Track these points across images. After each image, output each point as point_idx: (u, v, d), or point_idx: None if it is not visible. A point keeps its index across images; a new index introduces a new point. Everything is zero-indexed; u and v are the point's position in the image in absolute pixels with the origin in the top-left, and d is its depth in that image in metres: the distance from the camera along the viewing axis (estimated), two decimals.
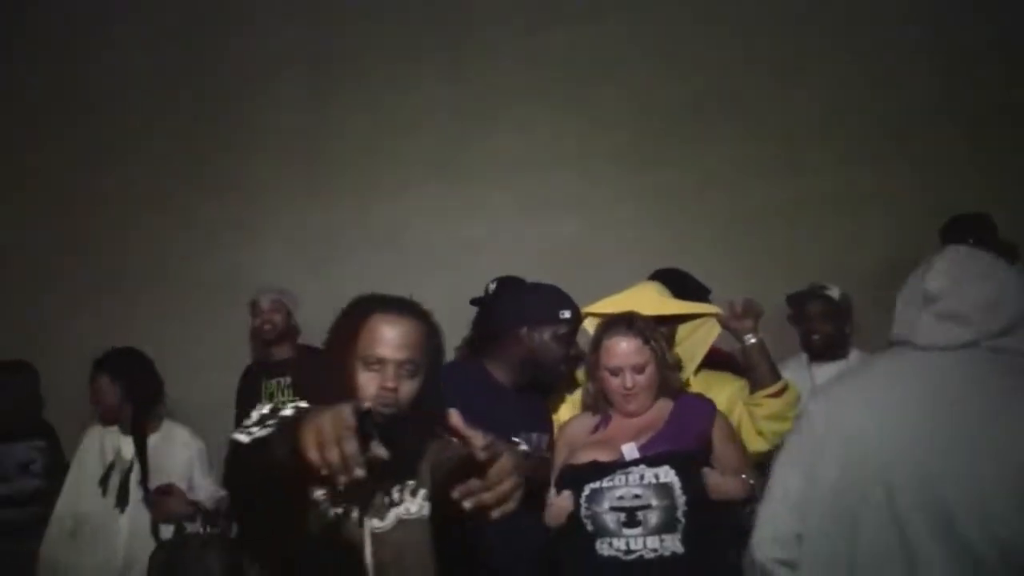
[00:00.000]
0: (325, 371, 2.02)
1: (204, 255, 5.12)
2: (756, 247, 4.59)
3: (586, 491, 2.59)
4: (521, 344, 2.88)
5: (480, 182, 4.97)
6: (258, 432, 1.64)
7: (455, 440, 1.59)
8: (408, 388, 1.93)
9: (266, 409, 1.71)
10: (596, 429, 2.77)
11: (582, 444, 2.72)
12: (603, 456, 2.62)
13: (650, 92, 4.84)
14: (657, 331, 2.83)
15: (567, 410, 3.06)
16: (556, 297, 2.90)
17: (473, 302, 4.19)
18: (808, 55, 4.72)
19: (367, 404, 1.62)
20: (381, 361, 1.91)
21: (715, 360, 3.30)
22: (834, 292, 3.93)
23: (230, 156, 5.26)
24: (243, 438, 1.65)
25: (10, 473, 4.33)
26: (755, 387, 2.99)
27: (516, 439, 2.28)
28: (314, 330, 4.22)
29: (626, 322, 2.78)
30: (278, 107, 5.27)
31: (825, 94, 4.69)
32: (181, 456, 3.89)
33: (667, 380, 2.78)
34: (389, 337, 1.94)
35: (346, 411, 1.39)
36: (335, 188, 5.16)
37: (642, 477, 2.56)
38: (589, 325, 3.17)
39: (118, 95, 5.38)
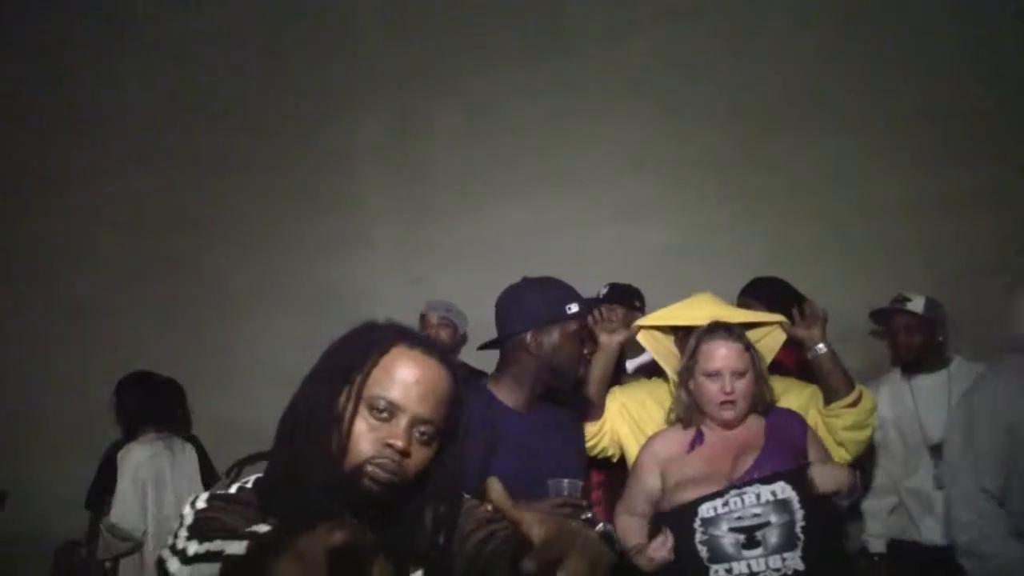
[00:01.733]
0: (306, 414, 1.47)
1: (305, 272, 5.23)
2: (851, 250, 4.49)
3: (700, 516, 2.55)
4: (528, 353, 2.58)
5: (571, 190, 4.94)
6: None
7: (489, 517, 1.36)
8: (419, 457, 1.45)
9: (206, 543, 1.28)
10: (691, 447, 2.71)
11: (678, 466, 2.67)
12: (709, 488, 2.59)
13: (740, 94, 4.76)
14: (753, 344, 2.80)
15: (616, 409, 3.04)
16: (558, 291, 2.60)
17: None
18: (901, 50, 4.59)
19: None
20: (392, 409, 1.43)
21: (785, 368, 3.26)
22: (918, 303, 3.76)
23: (329, 175, 5.36)
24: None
25: None
26: (830, 398, 2.93)
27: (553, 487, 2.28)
28: None
29: (726, 328, 2.75)
30: (374, 123, 5.34)
31: (919, 91, 4.54)
32: None
33: (762, 393, 2.74)
34: (411, 381, 1.45)
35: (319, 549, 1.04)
36: (432, 203, 5.20)
37: (759, 496, 2.53)
38: (643, 339, 3.16)
39: (217, 116, 5.53)
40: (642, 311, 3.67)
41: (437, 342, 1.73)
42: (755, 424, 2.72)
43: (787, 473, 2.55)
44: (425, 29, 5.34)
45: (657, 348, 3.15)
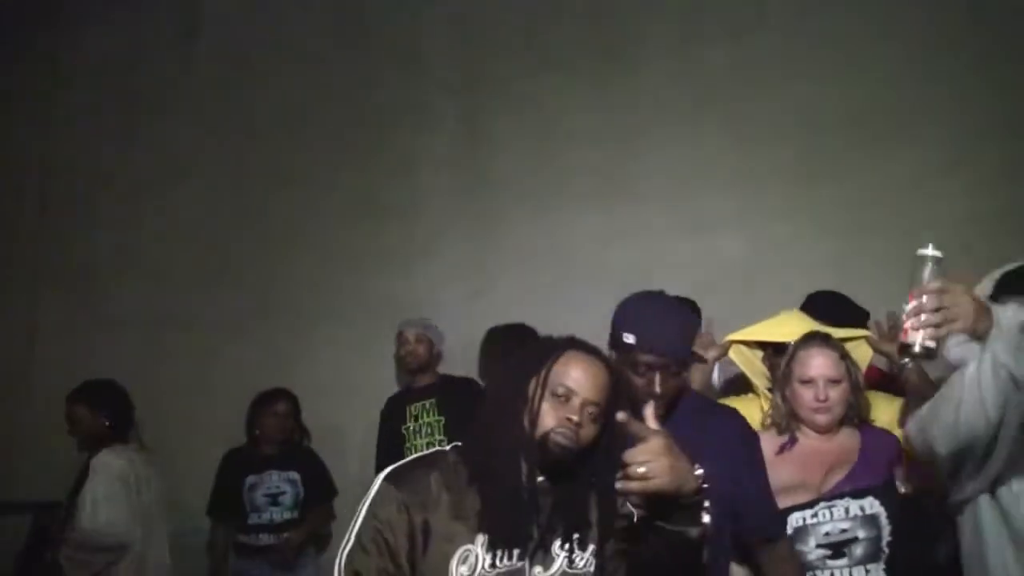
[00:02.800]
0: (502, 398, 1.99)
1: (368, 284, 5.24)
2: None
3: (790, 525, 2.57)
4: (617, 369, 2.40)
5: (639, 202, 4.91)
6: None
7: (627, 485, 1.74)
8: (588, 431, 1.92)
9: None
10: (782, 449, 2.72)
11: (770, 470, 2.61)
12: (799, 497, 2.60)
13: (808, 108, 4.70)
14: (851, 355, 2.79)
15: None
16: (624, 316, 2.42)
17: None
18: (974, 64, 4.50)
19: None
20: (569, 394, 1.91)
21: (874, 382, 3.19)
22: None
23: (392, 185, 5.38)
24: None
25: (260, 503, 4.58)
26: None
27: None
28: (470, 354, 4.34)
29: (822, 336, 2.78)
30: (433, 134, 5.36)
31: (985, 108, 4.45)
32: None
33: (857, 404, 2.74)
34: (581, 375, 1.93)
35: None
36: (491, 214, 5.20)
37: (847, 510, 2.57)
38: (734, 354, 3.15)
39: (275, 126, 5.61)
40: (698, 325, 3.65)
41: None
42: (850, 437, 2.73)
43: (877, 488, 2.58)
44: (491, 39, 5.34)
45: (746, 363, 3.16)
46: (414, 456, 2.09)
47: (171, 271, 5.60)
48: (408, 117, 5.39)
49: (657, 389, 2.29)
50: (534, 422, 1.90)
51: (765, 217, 4.71)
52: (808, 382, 2.68)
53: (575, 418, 1.89)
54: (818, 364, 2.69)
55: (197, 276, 5.55)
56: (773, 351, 3.10)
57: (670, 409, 2.34)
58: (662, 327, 2.33)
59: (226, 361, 5.23)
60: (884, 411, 2.93)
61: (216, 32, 5.78)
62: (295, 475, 4.62)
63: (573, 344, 2.00)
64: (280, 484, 4.60)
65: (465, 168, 5.29)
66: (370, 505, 1.91)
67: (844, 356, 2.72)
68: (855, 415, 2.74)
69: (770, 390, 3.04)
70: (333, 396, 4.93)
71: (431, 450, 2.08)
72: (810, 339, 2.77)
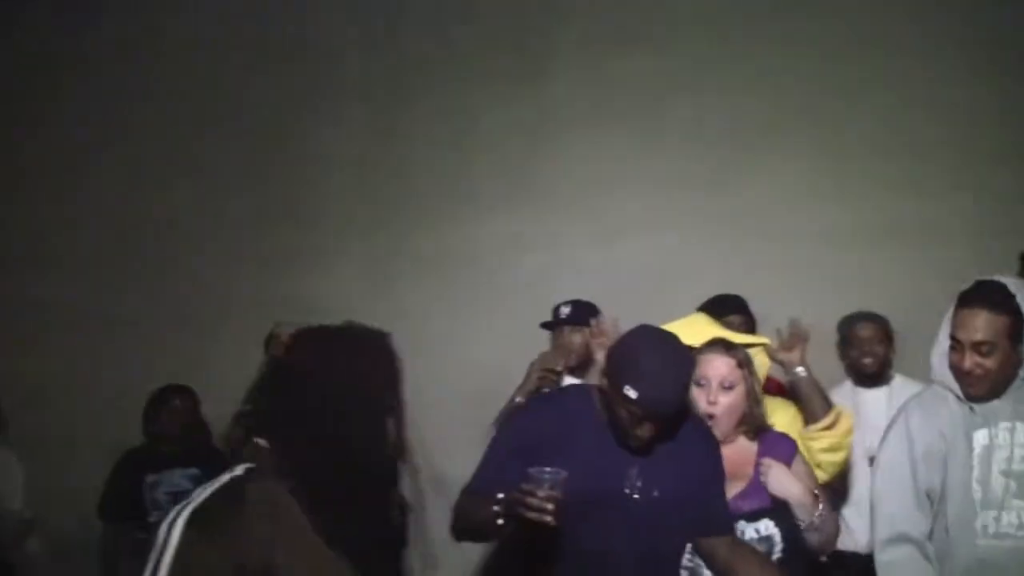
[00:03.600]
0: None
1: (272, 284, 5.19)
2: (812, 271, 4.58)
3: (689, 547, 2.59)
4: (604, 393, 2.51)
5: (546, 208, 4.98)
6: None
7: None
8: None
9: None
10: None
11: None
12: None
13: (716, 115, 4.83)
14: (752, 363, 2.80)
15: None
16: (627, 365, 2.41)
17: (543, 325, 4.25)
18: (877, 77, 4.68)
19: None
20: None
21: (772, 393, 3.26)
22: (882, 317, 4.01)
23: (294, 186, 5.35)
24: None
25: (162, 502, 4.46)
26: (808, 420, 2.95)
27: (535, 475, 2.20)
28: None
29: (725, 343, 2.79)
30: (341, 135, 5.32)
31: (893, 116, 4.65)
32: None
33: (752, 414, 2.75)
34: None
35: None
36: (399, 216, 5.21)
37: (743, 533, 2.59)
38: None
39: (179, 122, 5.50)
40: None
41: None
42: (746, 449, 2.73)
43: (771, 510, 2.61)
44: (402, 42, 5.34)
45: None
46: None
47: (74, 267, 5.44)
48: (317, 118, 5.35)
49: (647, 436, 2.40)
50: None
51: (672, 223, 4.81)
52: (702, 383, 2.69)
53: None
54: (714, 366, 2.69)
55: (101, 274, 5.42)
56: None
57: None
58: (664, 389, 2.35)
59: (128, 360, 5.12)
60: (781, 416, 2.96)
61: (121, 23, 5.62)
62: (196, 472, 4.51)
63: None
64: (181, 482, 4.47)
65: (373, 170, 5.29)
66: None
67: (743, 365, 2.73)
68: (751, 425, 2.74)
69: None
70: (238, 395, 4.83)
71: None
72: (712, 344, 2.77)
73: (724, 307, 3.80)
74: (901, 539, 2.71)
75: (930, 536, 2.68)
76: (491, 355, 4.69)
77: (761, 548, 2.57)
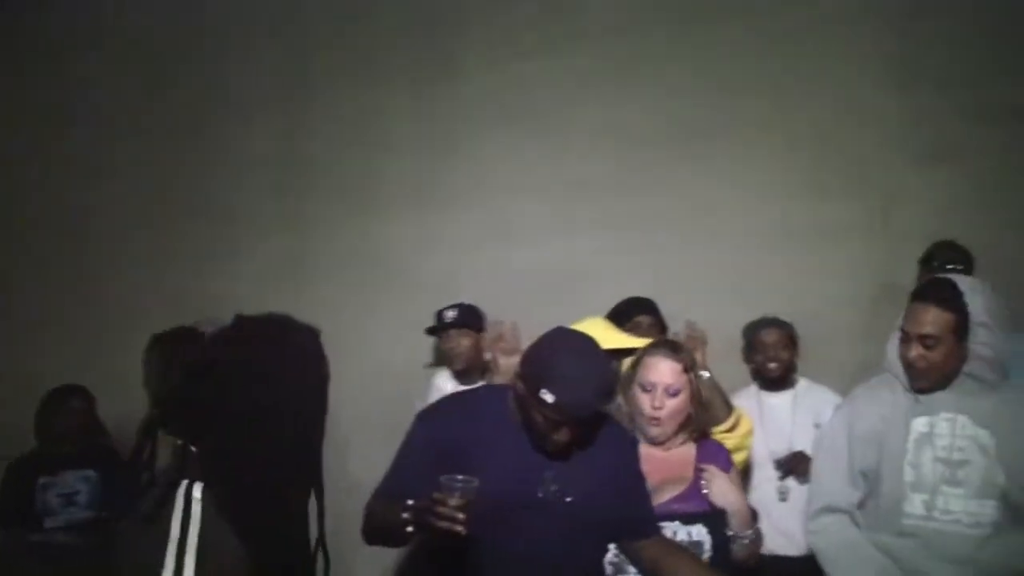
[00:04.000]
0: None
1: (181, 283, 5.11)
2: (721, 275, 4.65)
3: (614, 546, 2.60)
4: (519, 396, 2.43)
5: (453, 210, 4.98)
6: None
7: None
8: None
9: None
10: None
11: None
12: None
13: (623, 120, 4.87)
14: (696, 366, 2.83)
15: None
16: (544, 368, 2.34)
17: (429, 331, 4.23)
18: (793, 81, 4.77)
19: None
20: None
21: None
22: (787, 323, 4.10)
23: (199, 184, 5.27)
24: None
25: (54, 505, 4.34)
26: (710, 423, 2.95)
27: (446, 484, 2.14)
28: None
29: (672, 345, 2.81)
30: (249, 134, 5.26)
31: (787, 125, 4.74)
32: None
33: (695, 419, 2.76)
34: None
35: None
36: (310, 215, 5.17)
37: (675, 534, 2.60)
38: None
39: (91, 122, 5.39)
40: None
41: None
42: (685, 452, 2.75)
43: (707, 515, 2.64)
44: (311, 41, 5.30)
45: None
46: None
47: None
48: (227, 115, 5.28)
49: (564, 441, 2.36)
50: None
51: (576, 228, 4.85)
52: (648, 388, 2.69)
53: None
54: (660, 371, 2.69)
55: (10, 273, 5.32)
56: None
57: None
58: (582, 392, 2.30)
59: (38, 360, 4.99)
60: None
61: (23, 18, 5.49)
62: (92, 473, 4.41)
63: None
64: (75, 483, 4.38)
65: (283, 169, 5.24)
66: None
67: (688, 369, 2.73)
68: (694, 429, 2.76)
69: None
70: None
71: None
72: (658, 346, 2.79)
73: (635, 308, 3.90)
74: (831, 510, 2.86)
75: (862, 508, 2.84)
76: (398, 356, 4.69)
77: None
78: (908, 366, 2.75)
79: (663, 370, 2.70)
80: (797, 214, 4.63)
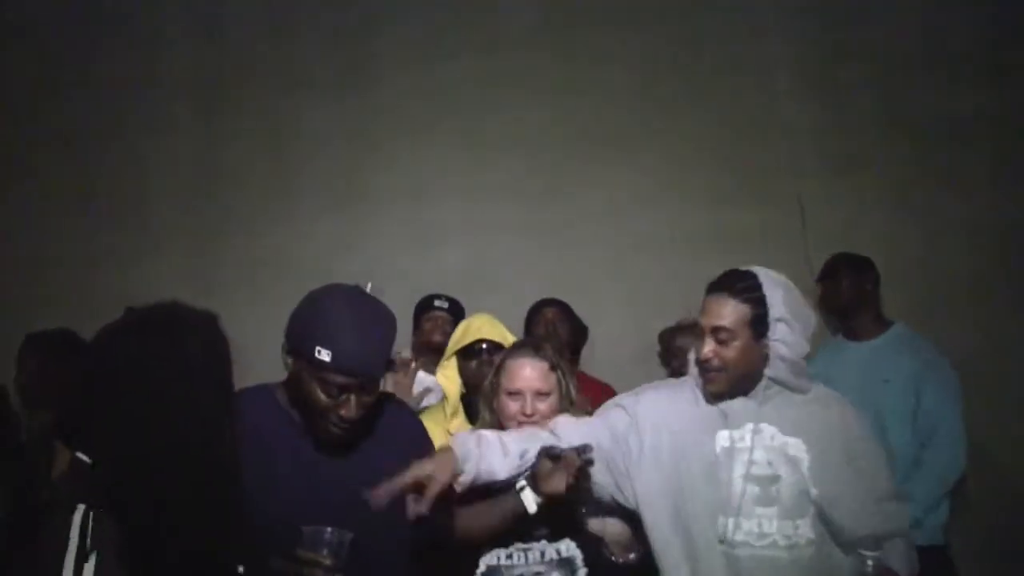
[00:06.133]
0: None
1: (93, 285, 4.92)
2: (643, 279, 4.68)
3: (482, 568, 2.42)
4: (288, 373, 2.16)
5: (369, 212, 4.96)
6: None
7: None
8: None
9: None
10: None
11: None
12: None
13: (541, 123, 4.90)
14: (565, 362, 2.64)
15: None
16: (316, 324, 2.06)
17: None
18: (696, 90, 4.83)
19: None
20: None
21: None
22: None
23: (116, 182, 5.17)
24: None
25: None
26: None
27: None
28: None
29: (534, 345, 2.61)
30: (165, 131, 5.17)
31: (711, 127, 4.80)
32: None
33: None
34: None
35: None
36: (222, 215, 5.08)
37: (543, 554, 2.41)
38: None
39: (3, 122, 5.26)
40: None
41: None
42: None
43: (572, 528, 2.44)
44: (231, 42, 5.23)
45: (445, 379, 3.18)
46: None
47: None
48: (141, 114, 5.19)
49: (353, 414, 2.07)
50: None
51: (492, 230, 4.86)
52: (515, 394, 2.50)
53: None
54: (525, 375, 2.49)
55: None
56: (463, 357, 3.11)
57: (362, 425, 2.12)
58: (363, 344, 2.05)
59: None
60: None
61: None
62: None
63: None
64: None
65: (196, 171, 5.15)
66: None
67: (555, 367, 2.54)
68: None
69: (467, 400, 3.02)
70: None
71: None
72: (519, 348, 2.61)
73: (544, 304, 3.98)
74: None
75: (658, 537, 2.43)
76: None
77: (562, 571, 2.40)
78: (701, 366, 2.41)
79: (528, 373, 2.50)
80: (710, 220, 4.68)
